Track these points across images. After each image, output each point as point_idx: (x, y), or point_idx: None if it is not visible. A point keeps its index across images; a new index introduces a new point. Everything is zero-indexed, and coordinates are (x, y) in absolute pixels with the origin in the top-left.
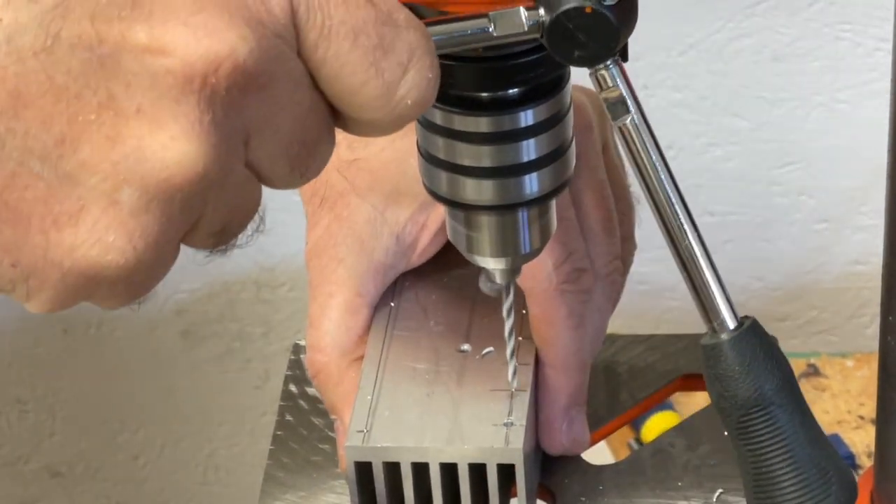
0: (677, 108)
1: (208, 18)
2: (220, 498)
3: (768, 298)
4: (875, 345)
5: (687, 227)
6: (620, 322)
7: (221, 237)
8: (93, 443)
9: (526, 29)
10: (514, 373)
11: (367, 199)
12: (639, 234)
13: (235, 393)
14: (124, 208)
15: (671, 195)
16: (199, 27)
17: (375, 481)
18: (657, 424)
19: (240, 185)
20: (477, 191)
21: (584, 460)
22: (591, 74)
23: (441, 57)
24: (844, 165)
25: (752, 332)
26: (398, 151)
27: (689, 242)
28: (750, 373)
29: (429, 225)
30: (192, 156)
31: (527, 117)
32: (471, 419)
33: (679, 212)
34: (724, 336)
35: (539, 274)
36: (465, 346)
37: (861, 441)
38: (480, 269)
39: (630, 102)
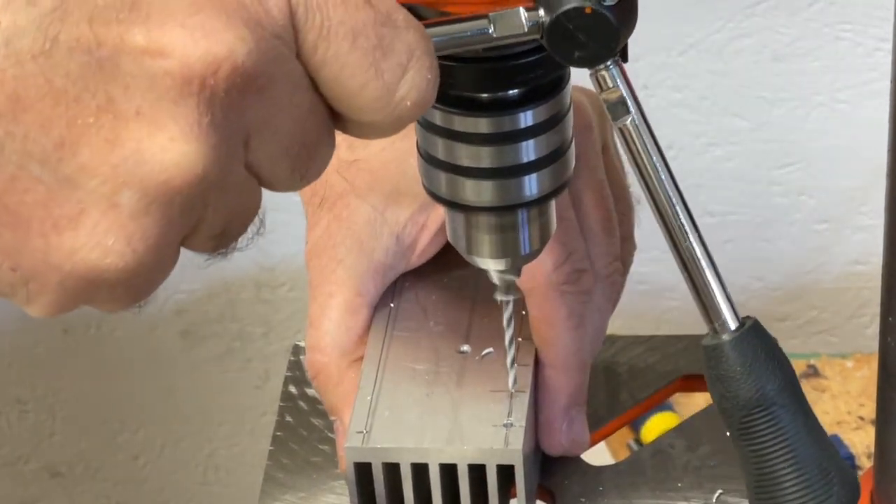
0: (677, 108)
1: (206, 20)
2: (220, 498)
3: (768, 298)
4: (875, 345)
5: (688, 227)
6: (620, 322)
7: (222, 240)
8: (93, 443)
9: (526, 30)
10: (515, 381)
11: (367, 200)
12: (638, 235)
13: (235, 393)
14: (124, 211)
15: (672, 195)
16: (196, 29)
17: (375, 482)
18: (657, 425)
19: (240, 187)
20: (476, 192)
21: (583, 461)
22: (591, 75)
23: (441, 57)
24: (844, 165)
25: (754, 333)
26: (398, 152)
27: (690, 243)
28: (751, 373)
29: (429, 225)
30: (192, 157)
31: (526, 118)
32: (470, 420)
33: (680, 212)
34: (725, 336)
35: (539, 274)
36: (465, 347)
37: (861, 441)
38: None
39: (630, 103)
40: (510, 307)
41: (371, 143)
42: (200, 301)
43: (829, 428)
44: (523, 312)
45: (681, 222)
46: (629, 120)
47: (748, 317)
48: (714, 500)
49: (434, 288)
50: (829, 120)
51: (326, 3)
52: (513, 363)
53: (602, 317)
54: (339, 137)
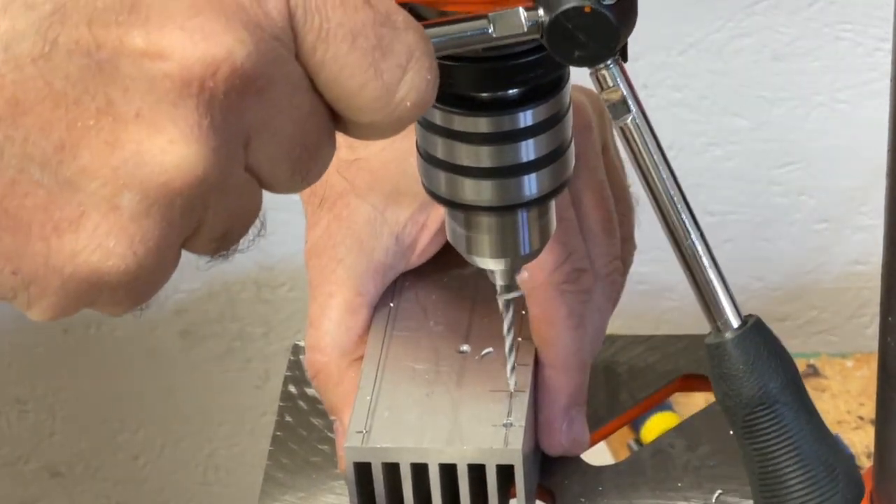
0: (677, 108)
1: (205, 22)
2: (220, 498)
3: (768, 298)
4: (875, 345)
5: (689, 225)
6: (620, 322)
7: (223, 242)
8: (93, 443)
9: (525, 30)
10: (514, 380)
11: (367, 199)
12: (638, 235)
13: (235, 393)
14: (124, 213)
15: (673, 194)
16: (195, 31)
17: (375, 482)
18: (657, 425)
19: (240, 189)
20: (476, 191)
21: (583, 461)
22: (591, 74)
23: (440, 57)
24: (844, 165)
25: (756, 331)
26: (398, 151)
27: (692, 241)
28: (754, 371)
29: (429, 225)
30: (192, 159)
31: (526, 118)
32: (470, 420)
33: (681, 211)
34: (728, 335)
35: (539, 274)
36: (465, 347)
37: (861, 441)
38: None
39: (631, 102)
40: (510, 307)
41: (371, 142)
42: (200, 301)
43: (830, 427)
44: (523, 312)
45: (682, 220)
46: (630, 119)
47: (751, 315)
48: (714, 500)
49: (434, 288)
50: (829, 120)
51: (325, 5)
52: (512, 363)
53: (602, 317)
54: (339, 137)
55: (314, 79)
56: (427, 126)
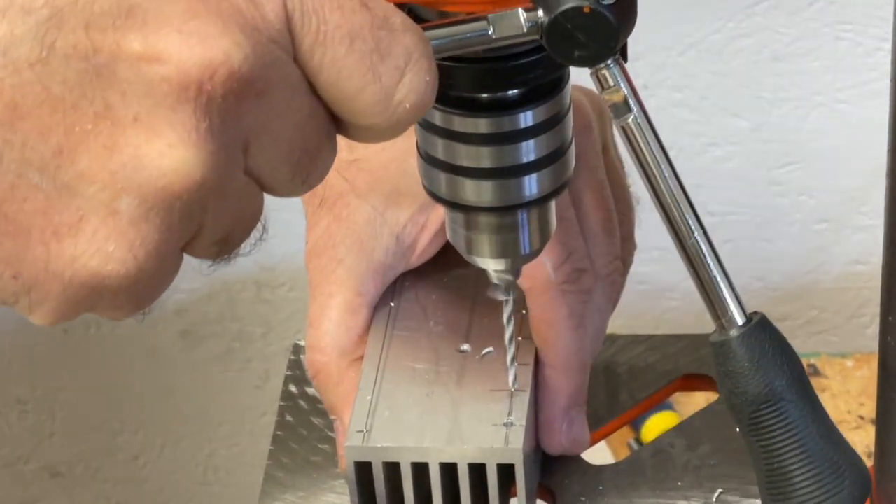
0: (677, 108)
1: (202, 25)
2: (220, 498)
3: (768, 298)
4: (875, 345)
5: (693, 223)
6: (620, 322)
7: (224, 246)
8: (93, 443)
9: (525, 30)
10: (515, 380)
11: (367, 200)
12: (638, 235)
13: (235, 393)
14: (124, 217)
15: (676, 192)
16: (192, 34)
17: (375, 481)
18: (657, 425)
19: (240, 192)
20: (476, 192)
21: (584, 460)
22: (591, 74)
23: (440, 58)
24: (844, 165)
25: (762, 328)
26: (398, 152)
27: (696, 239)
28: (760, 368)
29: (429, 225)
30: (190, 163)
31: (526, 118)
32: (470, 419)
33: (684, 208)
34: (733, 332)
35: (539, 274)
36: (465, 347)
37: (861, 441)
38: (485, 277)
39: (632, 101)
40: (510, 307)
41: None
42: (200, 301)
43: None
44: (523, 312)
45: (685, 218)
46: (631, 118)
47: (756, 312)
48: (714, 500)
49: (434, 288)
50: (829, 120)
51: (323, 7)
52: (513, 362)
53: (602, 317)
54: (339, 138)
55: (313, 82)
56: (427, 127)
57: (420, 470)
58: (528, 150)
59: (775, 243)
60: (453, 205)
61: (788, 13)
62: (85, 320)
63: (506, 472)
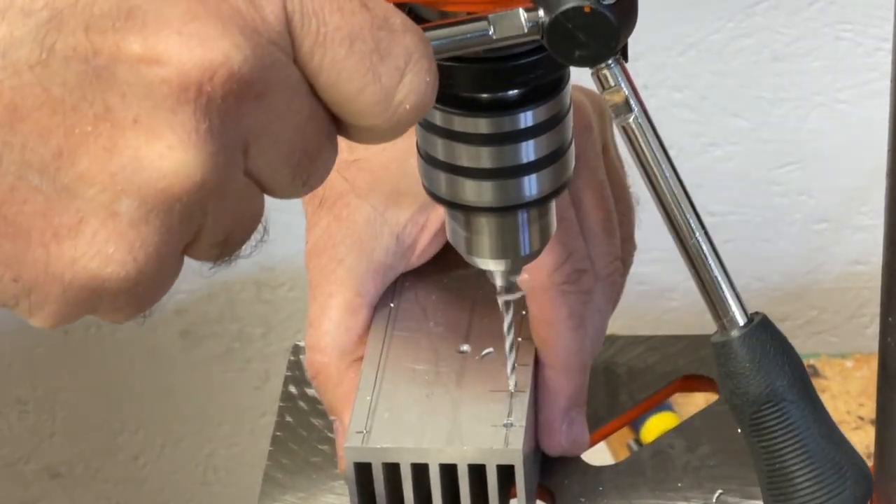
0: (677, 108)
1: (202, 27)
2: (220, 498)
3: (768, 298)
4: (875, 345)
5: (694, 223)
6: (620, 323)
7: (225, 248)
8: (93, 443)
9: (526, 31)
10: (514, 381)
11: (367, 200)
12: (638, 235)
13: (235, 393)
14: (123, 219)
15: (677, 192)
16: (192, 36)
17: (375, 482)
18: (657, 425)
19: (240, 194)
20: (476, 192)
21: (583, 461)
22: (592, 74)
23: (440, 58)
24: (844, 165)
25: (763, 329)
26: (398, 152)
27: (697, 239)
28: (761, 369)
29: (429, 226)
30: (190, 165)
31: (526, 118)
32: (470, 420)
33: (686, 209)
34: (734, 333)
35: (539, 275)
36: (465, 347)
37: (860, 441)
38: (485, 278)
39: (633, 101)
40: (510, 307)
41: None
42: (200, 301)
43: None
44: (523, 312)
45: (687, 218)
46: (632, 118)
47: (757, 312)
48: (714, 500)
49: (434, 288)
50: (829, 120)
51: (322, 9)
52: (513, 363)
53: (602, 317)
54: (339, 139)
55: (313, 83)
56: (427, 127)
57: (420, 471)
58: (528, 151)
59: (775, 243)
60: (453, 205)
61: (788, 13)
62: (85, 321)
63: (505, 472)
